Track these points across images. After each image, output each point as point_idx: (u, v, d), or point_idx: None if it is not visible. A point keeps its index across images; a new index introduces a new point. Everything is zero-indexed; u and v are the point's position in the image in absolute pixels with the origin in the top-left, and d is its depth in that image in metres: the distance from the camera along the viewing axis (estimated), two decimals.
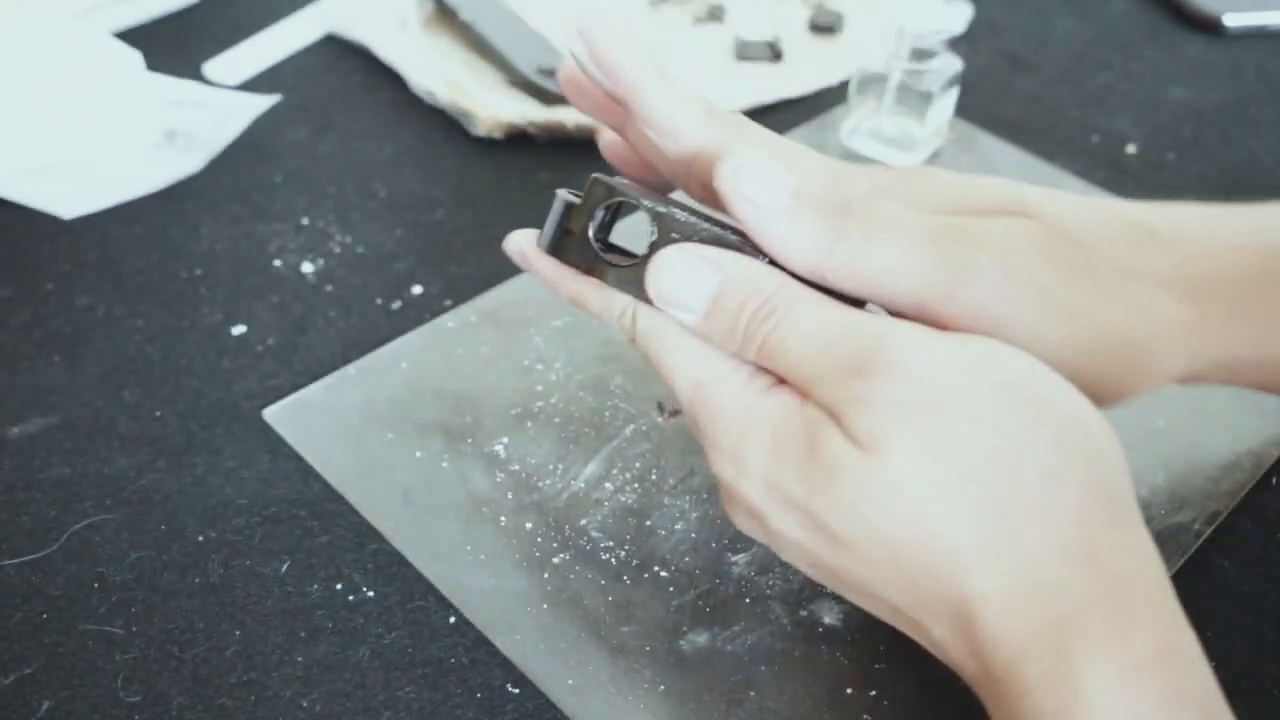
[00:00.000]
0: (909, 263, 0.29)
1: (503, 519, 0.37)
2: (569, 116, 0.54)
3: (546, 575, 0.36)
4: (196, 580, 0.36)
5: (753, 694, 0.33)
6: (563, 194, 0.32)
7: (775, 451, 0.28)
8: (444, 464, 0.39)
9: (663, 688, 0.33)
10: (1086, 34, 0.67)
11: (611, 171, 0.34)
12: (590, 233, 0.31)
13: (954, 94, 0.54)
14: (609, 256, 0.31)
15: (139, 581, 0.36)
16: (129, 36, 0.60)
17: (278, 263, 0.48)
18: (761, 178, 0.29)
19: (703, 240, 0.30)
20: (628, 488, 0.39)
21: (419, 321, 0.45)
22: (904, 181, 0.31)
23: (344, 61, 0.61)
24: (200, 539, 0.37)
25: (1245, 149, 0.58)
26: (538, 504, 0.38)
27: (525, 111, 0.55)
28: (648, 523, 0.37)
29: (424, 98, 0.58)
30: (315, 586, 0.36)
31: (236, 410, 0.41)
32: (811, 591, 0.35)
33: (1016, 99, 0.61)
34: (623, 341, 0.43)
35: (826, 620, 0.35)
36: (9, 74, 0.50)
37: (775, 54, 0.61)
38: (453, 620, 0.35)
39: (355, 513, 0.38)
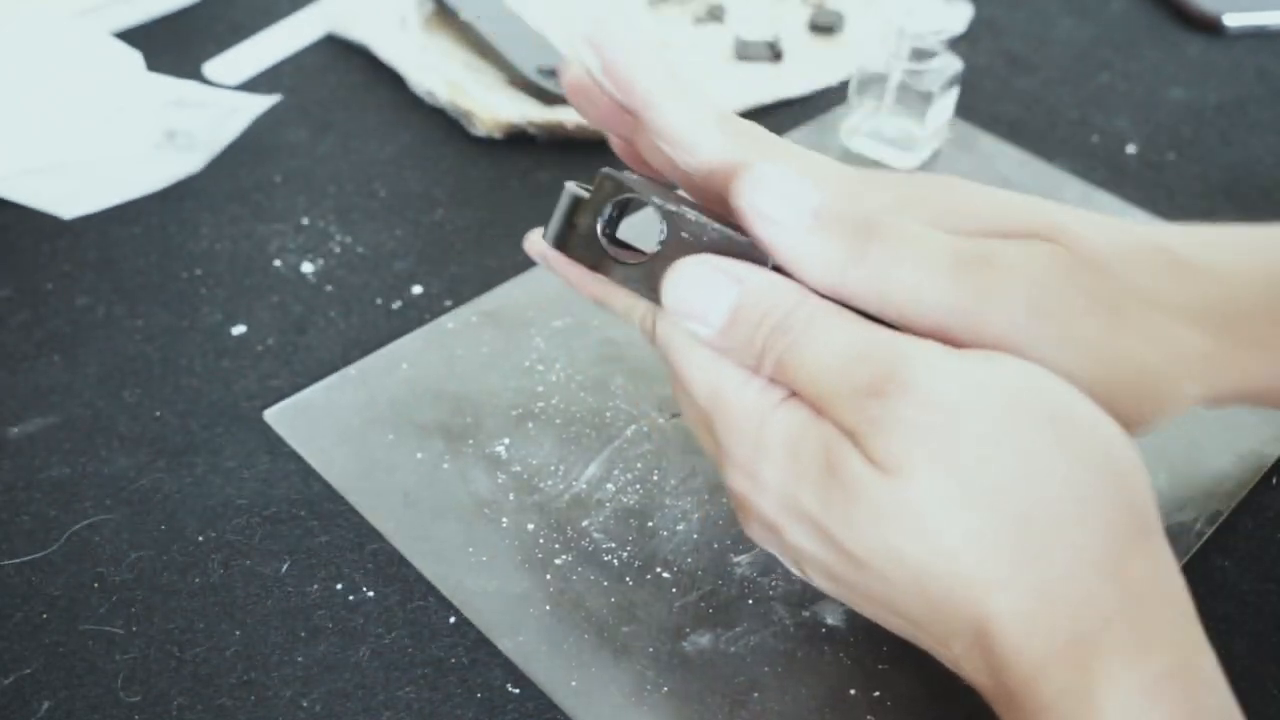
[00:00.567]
0: (930, 287, 0.28)
1: (504, 520, 0.37)
2: (569, 116, 0.54)
3: (549, 576, 0.36)
4: (196, 580, 0.36)
5: (755, 695, 0.33)
6: (571, 187, 0.32)
7: (791, 467, 0.28)
8: (445, 465, 0.39)
9: (665, 689, 0.33)
10: (1086, 34, 0.67)
11: (621, 167, 0.34)
12: (598, 228, 0.31)
13: (954, 94, 0.54)
14: (616, 253, 0.31)
15: (139, 581, 0.36)
16: (129, 36, 0.60)
17: (278, 263, 0.48)
18: (781, 194, 0.29)
19: (712, 240, 0.29)
20: (629, 489, 0.39)
21: (419, 321, 0.45)
22: (929, 194, 0.31)
23: (344, 61, 0.61)
24: (200, 539, 0.37)
25: (1245, 149, 0.58)
26: (539, 505, 0.38)
27: (525, 111, 0.55)
28: (650, 524, 0.37)
29: (424, 98, 0.58)
30: (315, 586, 0.36)
31: (236, 410, 0.41)
32: (814, 592, 0.35)
33: (1016, 99, 0.61)
34: (623, 342, 0.44)
35: (829, 621, 0.35)
36: (9, 74, 0.50)
37: (775, 54, 0.61)
38: (453, 620, 0.35)
39: (355, 512, 0.38)
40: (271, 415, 0.41)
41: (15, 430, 0.40)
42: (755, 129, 0.32)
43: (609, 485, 0.39)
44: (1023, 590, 0.26)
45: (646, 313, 0.31)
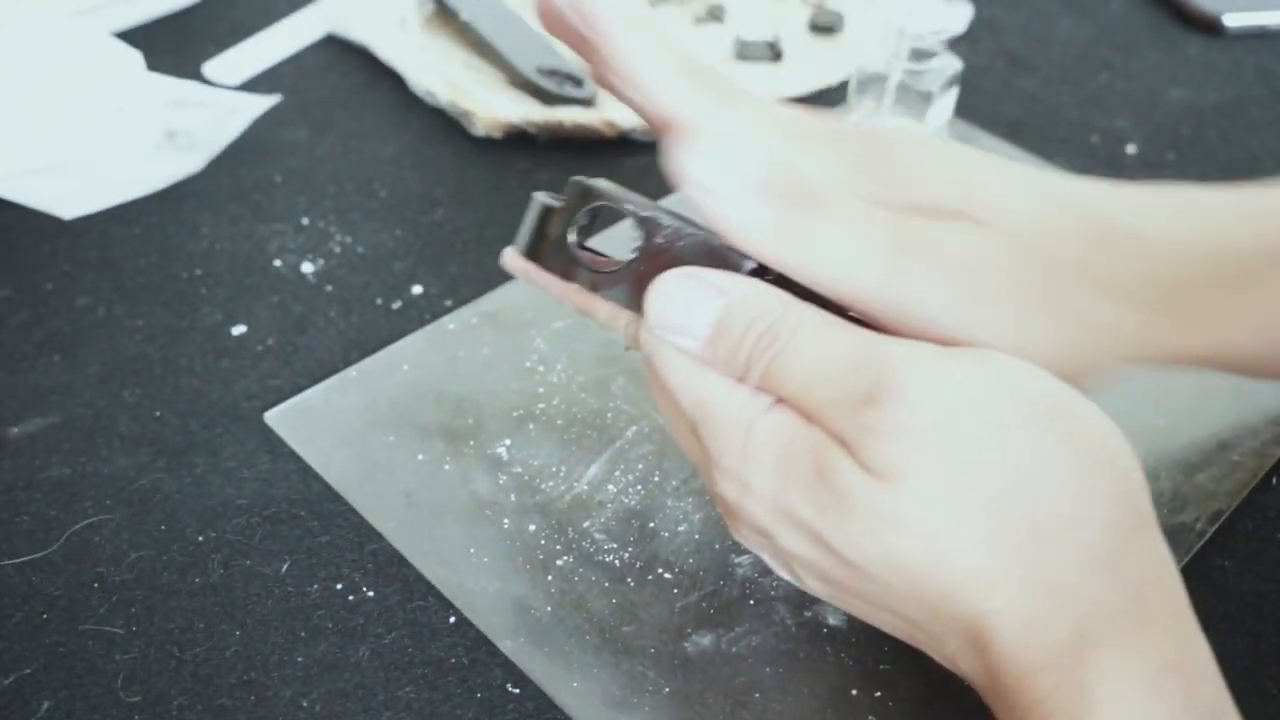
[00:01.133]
0: (861, 267, 0.28)
1: (505, 521, 0.37)
2: (569, 116, 0.54)
3: (550, 578, 0.36)
4: (196, 580, 0.36)
5: (757, 695, 0.33)
6: (540, 197, 0.31)
7: (781, 474, 0.28)
8: (446, 466, 0.39)
9: (667, 690, 0.33)
10: (1086, 34, 0.67)
11: (593, 174, 0.33)
12: (570, 237, 0.30)
13: (954, 94, 0.54)
14: (591, 261, 0.30)
15: (139, 581, 0.36)
16: (129, 36, 0.60)
17: (278, 263, 0.48)
18: (718, 161, 0.28)
19: (689, 244, 0.29)
20: (631, 489, 0.39)
21: (419, 321, 0.45)
22: (872, 158, 0.30)
23: (344, 61, 0.61)
24: (200, 539, 0.37)
25: (1245, 149, 0.58)
26: (540, 506, 0.38)
27: (525, 111, 0.55)
28: (651, 524, 0.37)
29: (424, 98, 0.58)
30: (315, 586, 0.36)
31: (236, 410, 0.41)
32: None
33: (1016, 99, 0.61)
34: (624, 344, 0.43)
35: (831, 621, 0.35)
36: (9, 74, 0.50)
37: (775, 54, 0.61)
38: (453, 620, 0.35)
39: (355, 513, 0.38)
40: (272, 417, 0.41)
41: (15, 430, 0.40)
42: (720, 77, 0.31)
43: (610, 486, 0.39)
44: (1018, 588, 0.26)
45: (630, 321, 0.31)
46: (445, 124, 0.57)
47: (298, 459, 0.39)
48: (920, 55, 0.52)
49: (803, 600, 0.35)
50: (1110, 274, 0.29)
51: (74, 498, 0.38)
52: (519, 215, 0.54)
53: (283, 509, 0.38)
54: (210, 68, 0.59)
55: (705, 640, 0.34)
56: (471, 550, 0.36)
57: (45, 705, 0.32)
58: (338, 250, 0.49)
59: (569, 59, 0.57)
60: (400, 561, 0.36)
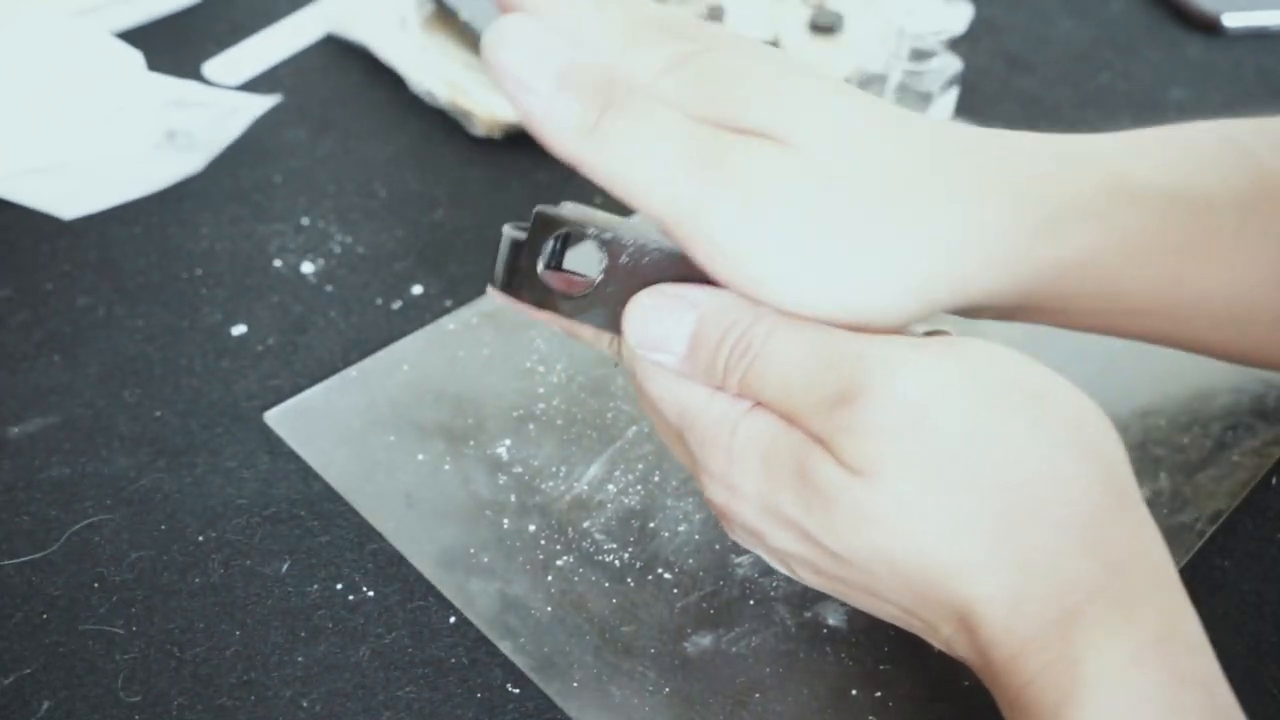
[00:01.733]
0: (655, 173, 0.27)
1: (505, 521, 0.37)
2: None
3: (550, 578, 0.36)
4: (196, 580, 0.36)
5: (757, 696, 0.33)
6: (508, 230, 0.31)
7: (766, 475, 0.28)
8: (446, 466, 0.39)
9: (667, 690, 0.33)
10: (1086, 34, 0.67)
11: (556, 200, 0.33)
12: (540, 266, 0.31)
13: (954, 94, 0.54)
14: (567, 285, 0.31)
15: (139, 581, 0.36)
16: (129, 36, 0.60)
17: (278, 263, 0.48)
18: (526, 49, 0.27)
19: (654, 260, 0.29)
20: (631, 490, 0.39)
21: (419, 321, 0.45)
22: (706, 63, 0.28)
23: (344, 61, 0.61)
24: (200, 539, 0.37)
25: None
26: (541, 506, 0.38)
27: None
28: (651, 525, 0.37)
29: (424, 98, 0.58)
30: (315, 586, 0.36)
31: (236, 410, 0.41)
32: (816, 593, 0.35)
33: (1016, 99, 0.61)
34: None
35: (831, 622, 0.35)
36: (9, 74, 0.50)
37: None
38: (453, 620, 0.35)
39: (355, 513, 0.38)
40: (272, 418, 0.41)
41: (15, 430, 0.40)
42: (683, 23, 0.29)
43: (610, 486, 0.39)
44: (1003, 572, 0.26)
45: (613, 339, 0.31)
46: (445, 124, 0.57)
47: (298, 459, 0.39)
48: (920, 55, 0.52)
49: (803, 600, 0.35)
50: (906, 215, 0.28)
51: (74, 498, 0.38)
52: (519, 215, 0.54)
53: (283, 509, 0.38)
54: (210, 68, 0.59)
55: (705, 640, 0.34)
56: (471, 550, 0.36)
57: (45, 705, 0.32)
58: (338, 250, 0.49)
59: None
60: (400, 561, 0.36)
